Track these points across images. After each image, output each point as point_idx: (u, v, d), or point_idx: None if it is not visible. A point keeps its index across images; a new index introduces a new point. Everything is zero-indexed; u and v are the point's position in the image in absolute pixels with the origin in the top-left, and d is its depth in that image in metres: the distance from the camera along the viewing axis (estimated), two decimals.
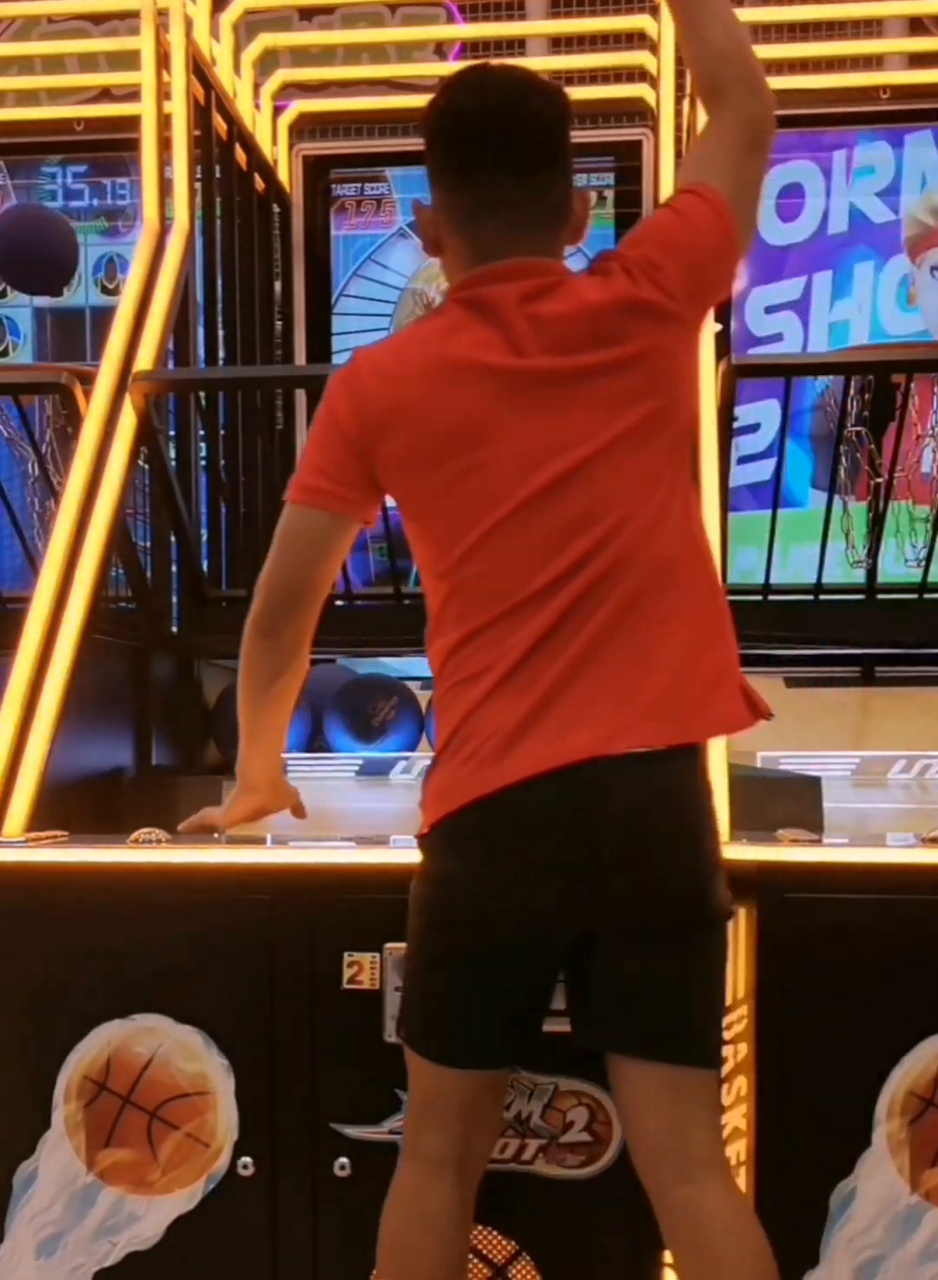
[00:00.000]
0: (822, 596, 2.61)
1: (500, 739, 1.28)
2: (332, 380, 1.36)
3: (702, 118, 2.67)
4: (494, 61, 1.37)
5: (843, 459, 2.49)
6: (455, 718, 1.32)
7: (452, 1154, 1.39)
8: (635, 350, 1.29)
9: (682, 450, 1.36)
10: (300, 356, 3.45)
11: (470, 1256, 1.59)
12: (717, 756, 1.80)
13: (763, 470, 3.32)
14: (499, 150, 1.30)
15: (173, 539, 2.62)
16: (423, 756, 3.24)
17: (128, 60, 2.94)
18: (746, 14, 4.77)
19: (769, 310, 3.70)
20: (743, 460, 3.34)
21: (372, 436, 1.32)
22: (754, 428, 3.32)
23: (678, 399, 1.34)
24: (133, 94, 2.83)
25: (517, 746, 1.27)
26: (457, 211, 1.33)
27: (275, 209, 3.46)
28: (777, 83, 3.45)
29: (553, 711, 1.27)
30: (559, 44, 4.49)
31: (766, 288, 3.71)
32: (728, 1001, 1.58)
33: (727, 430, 2.29)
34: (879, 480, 2.64)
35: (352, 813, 2.72)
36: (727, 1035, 1.58)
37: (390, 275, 3.55)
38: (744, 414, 3.20)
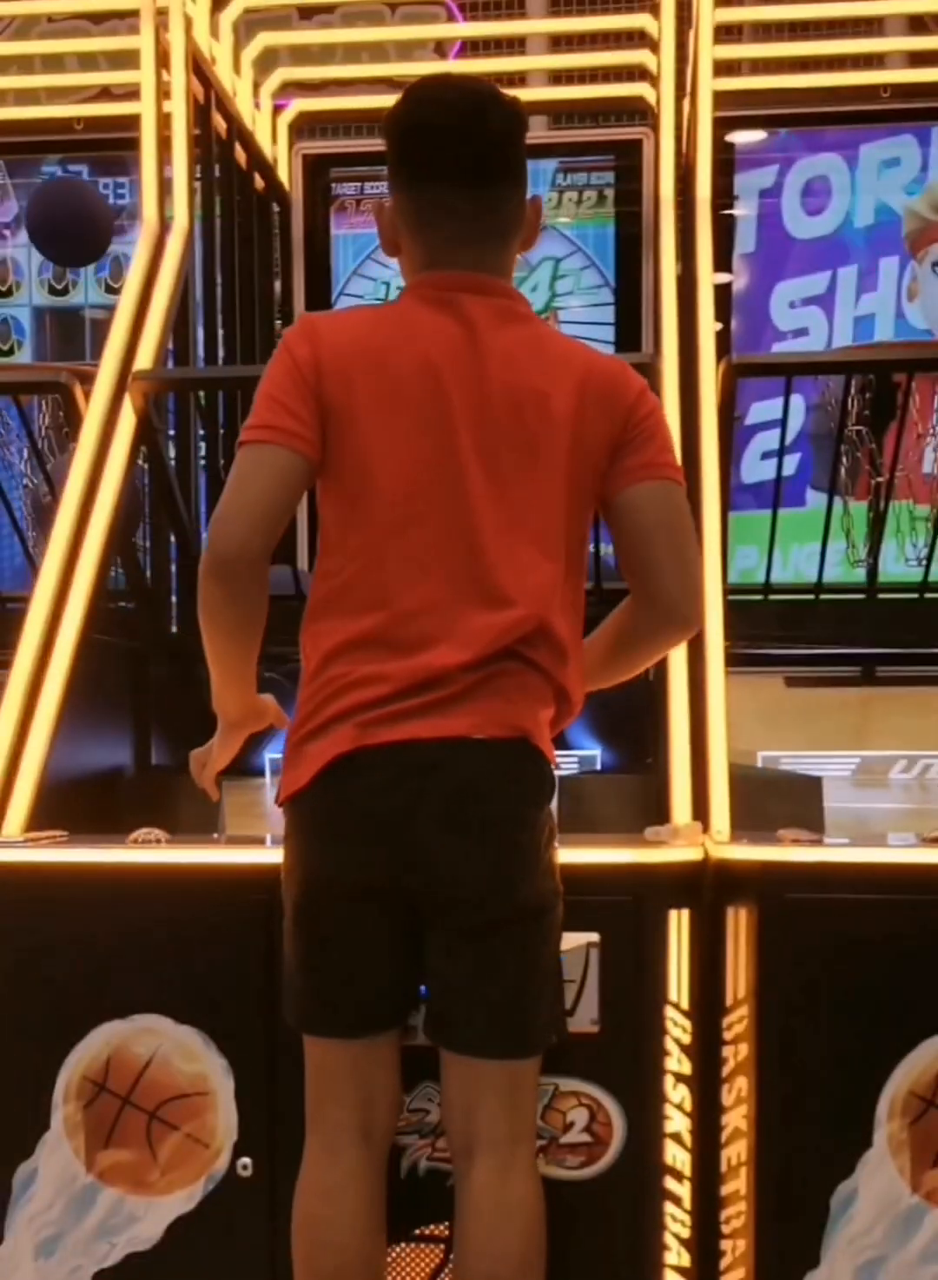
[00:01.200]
0: (822, 596, 2.61)
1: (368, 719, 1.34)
2: (286, 334, 1.38)
3: (702, 116, 2.67)
4: (457, 71, 1.40)
5: (843, 458, 2.48)
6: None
7: (352, 1122, 1.43)
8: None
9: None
10: None
11: None
12: (717, 756, 1.81)
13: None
14: (454, 162, 1.36)
15: (173, 539, 2.61)
16: None
17: (127, 59, 2.93)
18: (746, 13, 4.77)
19: (793, 305, 3.68)
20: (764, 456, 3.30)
21: (327, 374, 1.33)
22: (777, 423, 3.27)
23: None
24: (132, 93, 2.83)
25: (368, 731, 1.34)
26: (412, 216, 1.40)
27: (275, 208, 3.46)
28: (777, 82, 3.46)
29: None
30: (559, 43, 4.48)
31: (790, 282, 3.68)
32: (729, 1001, 1.59)
33: (727, 430, 2.28)
34: (880, 480, 2.64)
35: None
36: (727, 1035, 1.58)
37: (391, 274, 3.54)
38: (763, 410, 3.16)
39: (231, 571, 1.33)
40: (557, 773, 1.44)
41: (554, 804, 2.08)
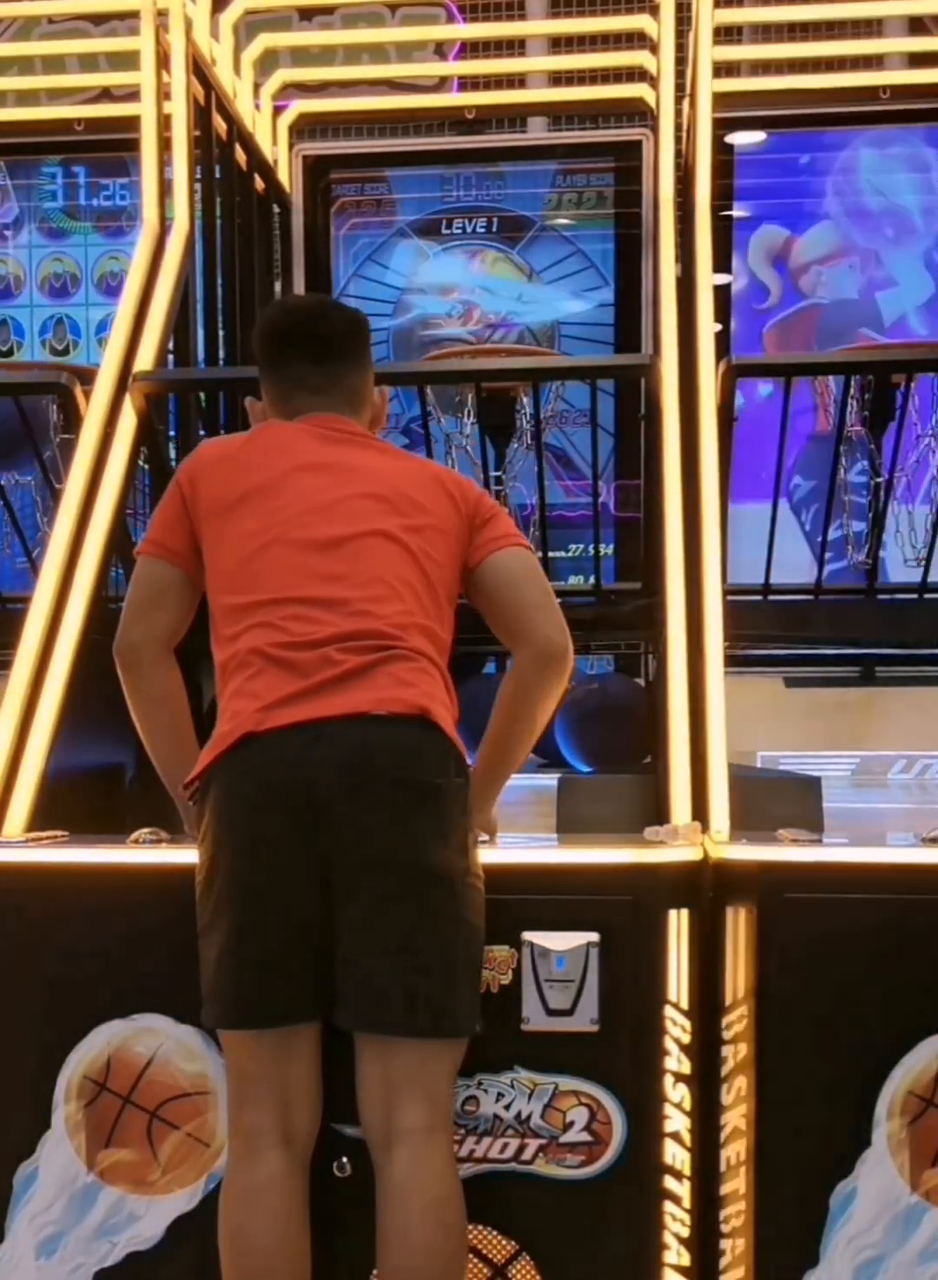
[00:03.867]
0: (822, 597, 2.61)
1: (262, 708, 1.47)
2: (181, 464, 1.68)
3: (702, 118, 2.68)
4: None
5: (843, 458, 2.49)
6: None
7: (271, 1125, 1.46)
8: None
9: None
10: None
11: (470, 1256, 1.59)
12: (717, 756, 1.81)
13: None
14: (304, 342, 1.67)
15: None
16: None
17: (128, 60, 2.93)
18: (746, 14, 4.77)
19: None
20: None
21: (200, 492, 1.60)
22: None
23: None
24: (133, 94, 2.83)
25: (271, 714, 1.47)
26: (276, 394, 1.70)
27: (275, 209, 3.46)
28: (777, 83, 3.46)
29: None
30: (559, 44, 4.49)
31: None
32: (728, 1001, 1.59)
33: (727, 430, 2.29)
34: (879, 480, 2.65)
35: None
36: (726, 1035, 1.59)
37: (390, 275, 3.54)
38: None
39: (120, 661, 1.63)
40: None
41: (552, 804, 2.08)
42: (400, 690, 1.48)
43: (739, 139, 3.44)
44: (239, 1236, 1.46)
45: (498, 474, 2.49)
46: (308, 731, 1.45)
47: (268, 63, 3.46)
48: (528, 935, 1.59)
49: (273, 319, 1.73)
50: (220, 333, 2.95)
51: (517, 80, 4.26)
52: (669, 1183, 1.60)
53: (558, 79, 4.18)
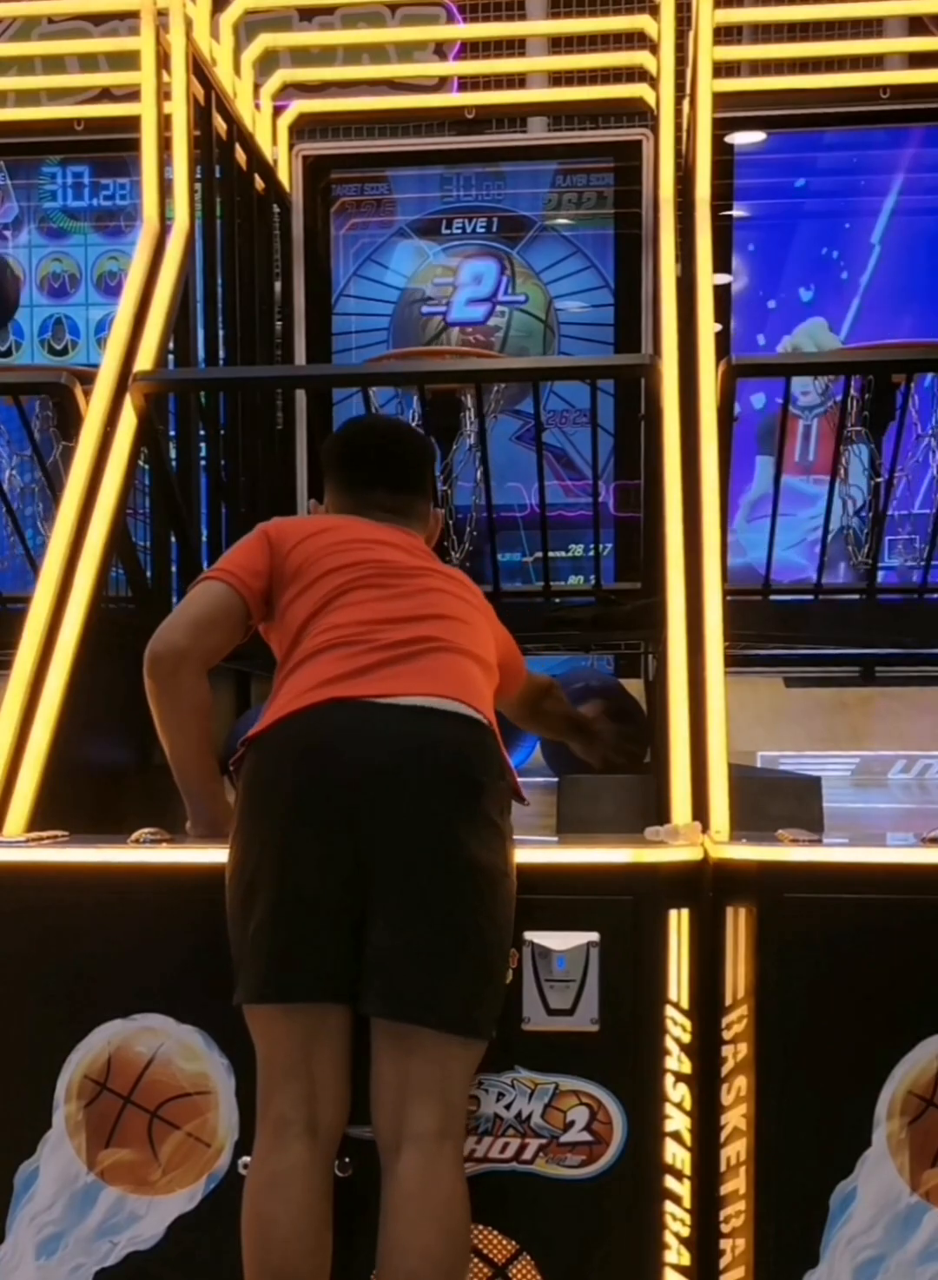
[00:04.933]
0: (821, 597, 2.61)
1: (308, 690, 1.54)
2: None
3: (702, 118, 2.68)
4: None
5: (842, 458, 2.49)
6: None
7: (298, 1114, 1.47)
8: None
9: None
10: (300, 356, 3.45)
11: (471, 1256, 1.59)
12: (717, 756, 1.81)
13: None
14: (376, 468, 1.78)
15: (173, 539, 2.62)
16: None
17: (128, 60, 2.93)
18: (746, 14, 4.78)
19: None
20: None
21: (287, 540, 1.70)
22: None
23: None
24: (133, 94, 2.83)
25: (326, 688, 1.53)
26: (348, 509, 1.78)
27: (275, 209, 3.46)
28: (777, 83, 3.46)
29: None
30: (559, 44, 4.49)
31: None
32: (728, 1001, 1.59)
33: (727, 430, 2.29)
34: (879, 480, 2.65)
35: None
36: (726, 1035, 1.59)
37: (390, 275, 3.54)
38: None
39: (159, 667, 1.61)
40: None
41: (552, 804, 2.08)
42: (456, 687, 1.55)
43: (739, 139, 3.44)
44: (260, 1224, 1.47)
45: (440, 475, 2.51)
46: (361, 708, 1.50)
47: (268, 63, 3.46)
48: (528, 935, 1.59)
49: (352, 441, 1.83)
50: (220, 333, 2.95)
51: (517, 80, 4.25)
52: (669, 1183, 1.60)
53: (558, 79, 4.18)
